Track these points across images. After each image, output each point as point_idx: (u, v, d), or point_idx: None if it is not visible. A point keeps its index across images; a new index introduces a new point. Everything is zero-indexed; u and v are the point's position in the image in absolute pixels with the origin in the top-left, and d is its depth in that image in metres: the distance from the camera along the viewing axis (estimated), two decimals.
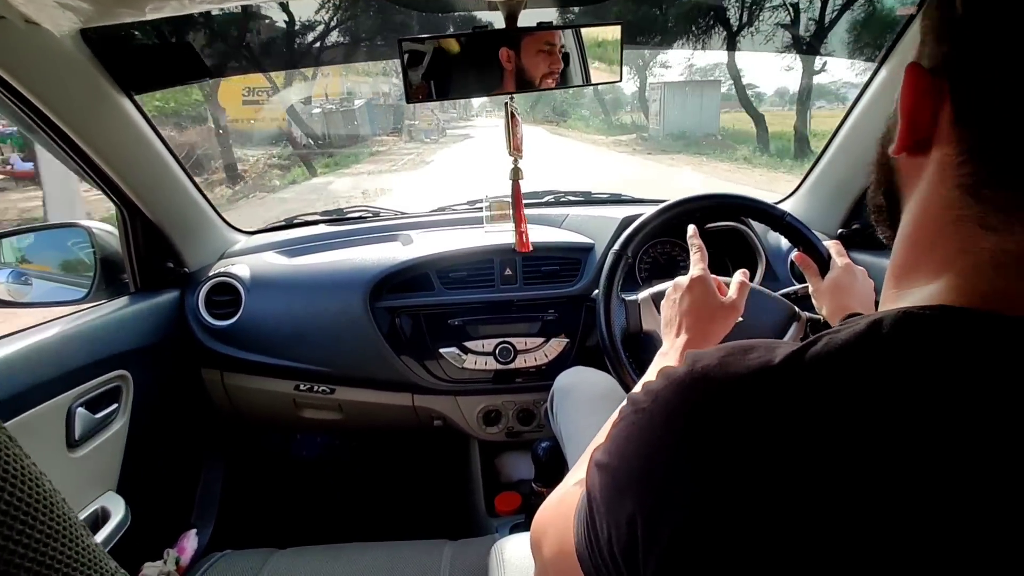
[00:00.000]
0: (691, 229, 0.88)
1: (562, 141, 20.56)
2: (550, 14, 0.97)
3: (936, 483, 0.28)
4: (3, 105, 0.89)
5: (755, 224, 1.38)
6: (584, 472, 0.44)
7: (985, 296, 0.32)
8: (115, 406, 1.14)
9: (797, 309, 1.05)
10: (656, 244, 1.49)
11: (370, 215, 1.67)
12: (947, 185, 0.34)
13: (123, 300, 1.24)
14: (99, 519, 1.05)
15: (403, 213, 1.68)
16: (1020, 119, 0.30)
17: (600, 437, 0.60)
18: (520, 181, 1.20)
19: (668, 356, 0.74)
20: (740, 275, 0.82)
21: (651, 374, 0.68)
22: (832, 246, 0.99)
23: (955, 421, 0.28)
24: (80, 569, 0.31)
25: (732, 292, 0.80)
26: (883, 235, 0.44)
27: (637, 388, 0.40)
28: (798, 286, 1.12)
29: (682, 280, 0.80)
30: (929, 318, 0.31)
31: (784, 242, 1.38)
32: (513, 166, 1.15)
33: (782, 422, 0.31)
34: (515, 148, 1.12)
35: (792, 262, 1.35)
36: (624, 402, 0.41)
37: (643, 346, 1.08)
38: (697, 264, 0.82)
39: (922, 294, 0.35)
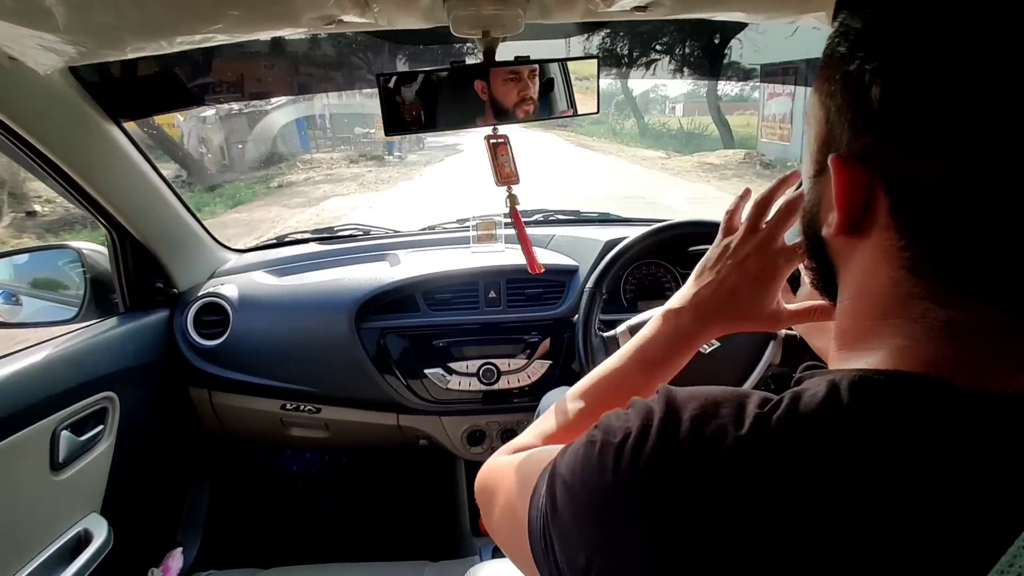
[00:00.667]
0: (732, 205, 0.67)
1: (588, 156, 16.38)
2: (528, 47, 0.99)
3: (891, 550, 0.28)
4: None
5: None
6: (557, 433, 0.45)
7: (938, 363, 0.32)
8: (100, 428, 1.15)
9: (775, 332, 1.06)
10: (641, 266, 1.50)
11: (360, 233, 1.69)
12: (892, 266, 0.34)
13: (112, 321, 1.26)
14: (81, 541, 1.06)
15: (393, 232, 1.70)
16: (959, 207, 0.31)
17: (600, 397, 0.61)
18: (517, 206, 1.18)
19: (680, 315, 0.63)
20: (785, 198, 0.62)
21: (652, 327, 0.64)
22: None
23: (908, 488, 0.29)
24: None
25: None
26: (822, 295, 0.44)
27: (610, 420, 0.41)
28: None
29: (743, 245, 0.62)
30: (884, 384, 0.32)
31: None
32: (507, 194, 1.13)
33: (745, 490, 0.32)
34: (505, 178, 1.11)
35: None
36: (600, 420, 0.41)
37: None
38: (752, 232, 0.62)
39: (873, 358, 0.35)
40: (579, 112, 1.07)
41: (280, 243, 1.68)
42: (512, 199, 1.11)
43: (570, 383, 1.28)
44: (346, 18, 0.79)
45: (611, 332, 1.07)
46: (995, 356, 0.32)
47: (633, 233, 1.18)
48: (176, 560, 1.32)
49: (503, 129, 0.96)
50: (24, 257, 1.33)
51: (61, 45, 0.70)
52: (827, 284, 0.42)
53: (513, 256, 1.46)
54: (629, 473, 0.36)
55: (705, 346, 1.03)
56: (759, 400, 0.35)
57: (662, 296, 1.50)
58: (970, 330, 0.32)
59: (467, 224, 1.55)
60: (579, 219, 1.71)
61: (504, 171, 1.09)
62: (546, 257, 1.47)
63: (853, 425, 0.31)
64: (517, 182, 1.08)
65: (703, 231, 1.15)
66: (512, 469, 0.51)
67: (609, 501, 0.36)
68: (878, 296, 0.36)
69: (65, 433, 1.06)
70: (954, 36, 0.30)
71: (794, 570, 0.29)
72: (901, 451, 0.30)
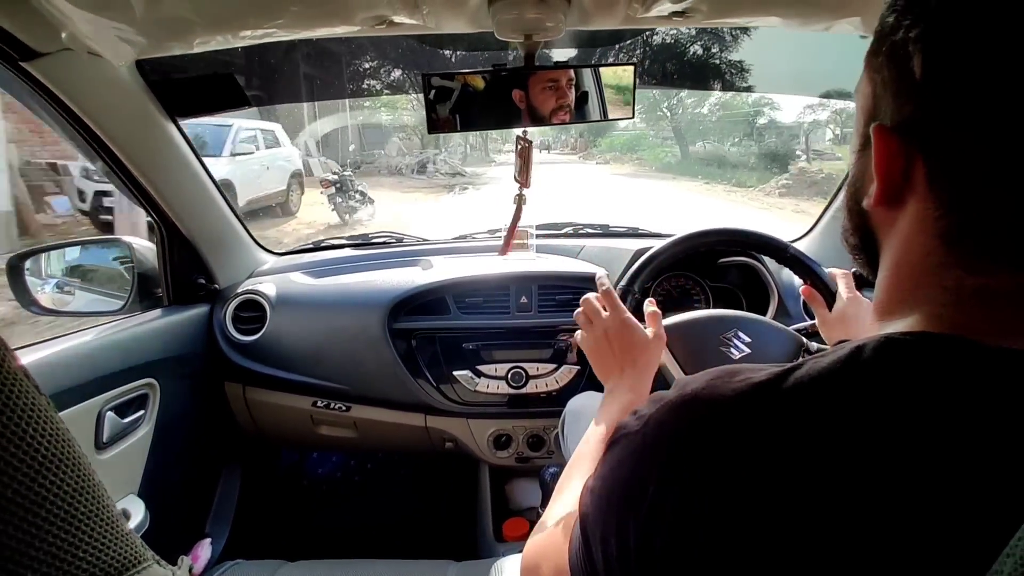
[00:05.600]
0: (600, 275, 0.89)
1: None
2: (567, 54, 1.02)
3: (904, 503, 0.29)
4: (62, 127, 0.98)
5: (768, 261, 1.40)
6: (571, 500, 0.46)
7: (966, 326, 0.33)
8: (142, 412, 1.19)
9: (806, 341, 1.05)
10: (670, 278, 1.51)
11: (394, 241, 1.73)
12: (926, 235, 0.35)
13: (156, 312, 1.31)
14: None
15: (425, 240, 1.74)
16: (995, 176, 0.32)
17: (584, 466, 0.60)
18: (523, 206, 1.19)
19: (615, 393, 0.73)
20: (649, 305, 0.85)
21: (604, 411, 0.68)
22: (840, 278, 0.99)
23: (930, 442, 0.29)
24: (115, 552, 0.32)
25: (649, 324, 0.83)
26: (865, 271, 0.45)
27: (611, 411, 0.42)
28: (809, 322, 1.13)
29: (608, 324, 0.81)
30: (910, 343, 0.33)
31: (797, 280, 1.39)
32: (518, 193, 1.15)
33: (765, 442, 0.32)
34: (520, 179, 1.13)
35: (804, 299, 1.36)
36: (605, 427, 0.43)
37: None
38: (614, 310, 0.82)
39: (903, 324, 0.36)
40: (611, 118, 1.10)
41: (317, 247, 1.73)
42: (520, 198, 1.14)
43: (597, 388, 1.30)
44: (397, 19, 0.84)
45: None
46: (1018, 319, 0.32)
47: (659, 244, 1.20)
48: (204, 550, 1.34)
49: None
50: (78, 249, 1.39)
51: (136, 36, 0.75)
52: (870, 258, 0.43)
53: (545, 263, 1.48)
54: (653, 443, 0.37)
55: (734, 351, 1.03)
56: (777, 366, 0.36)
57: (690, 307, 1.50)
58: (1000, 296, 0.33)
59: (498, 234, 1.59)
60: (608, 232, 1.73)
61: (527, 171, 1.11)
62: (576, 266, 1.49)
63: (875, 378, 0.32)
64: (527, 186, 1.11)
65: (737, 239, 1.15)
66: (546, 534, 0.53)
67: (638, 477, 0.37)
68: (913, 267, 0.37)
69: (109, 414, 1.10)
70: (995, 3, 0.31)
71: (811, 514, 0.30)
72: (923, 405, 0.30)
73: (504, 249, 1.23)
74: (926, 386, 0.31)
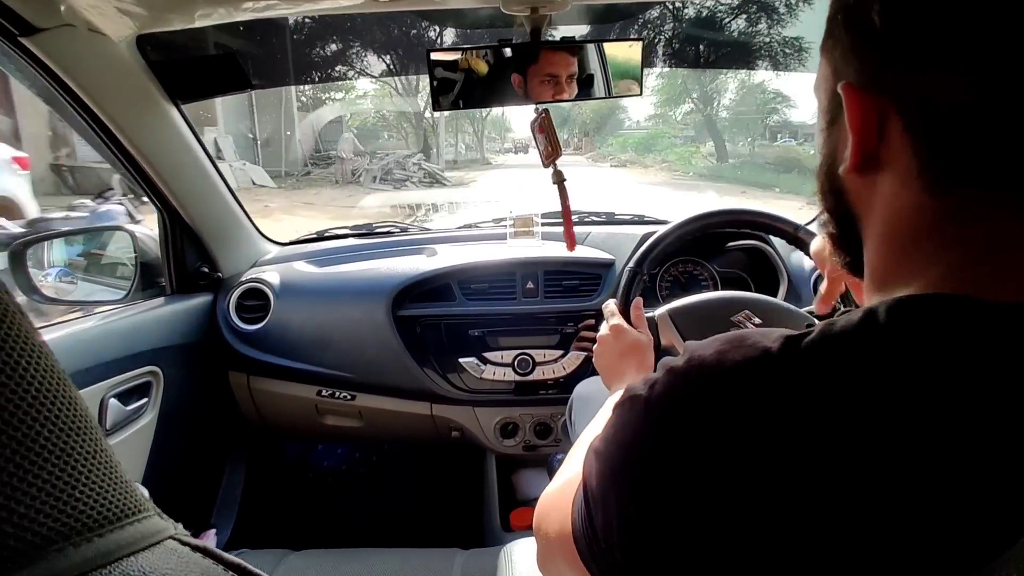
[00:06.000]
0: (610, 305, 0.99)
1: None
2: (574, 30, 1.01)
3: (927, 466, 0.28)
4: (62, 108, 0.97)
5: (778, 245, 1.38)
6: (579, 462, 0.45)
7: (975, 282, 0.32)
8: (145, 400, 1.18)
9: (818, 323, 1.04)
10: (677, 263, 1.49)
11: (398, 230, 1.72)
12: (912, 191, 0.34)
13: (159, 300, 1.30)
14: None
15: (430, 229, 1.73)
16: (970, 116, 0.31)
17: (596, 426, 0.60)
18: (564, 183, 1.11)
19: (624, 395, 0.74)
20: (635, 309, 0.96)
21: (605, 413, 0.67)
22: None
23: (947, 405, 0.28)
24: (114, 498, 0.31)
25: (635, 325, 0.93)
26: (841, 261, 0.43)
27: (634, 382, 0.41)
28: None
29: (604, 335, 0.91)
30: (922, 304, 0.32)
31: (807, 263, 1.37)
32: (553, 169, 1.07)
33: (776, 407, 0.31)
34: (547, 156, 1.07)
35: (815, 282, 1.34)
36: (621, 393, 0.42)
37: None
38: (610, 319, 0.94)
39: (911, 288, 0.35)
40: (615, 95, 1.07)
41: (320, 237, 1.72)
42: (558, 174, 1.08)
43: None
44: None
45: (650, 312, 1.07)
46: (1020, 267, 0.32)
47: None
48: (210, 540, 1.33)
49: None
50: (80, 237, 1.38)
51: (135, 7, 0.74)
52: (849, 242, 0.41)
53: (551, 249, 1.46)
54: (657, 409, 0.36)
55: None
56: (787, 332, 0.35)
57: (697, 291, 1.49)
58: (999, 242, 0.32)
59: (503, 222, 1.57)
60: (614, 220, 1.72)
61: (547, 151, 1.07)
62: (582, 252, 1.47)
63: (890, 340, 0.31)
64: (559, 155, 1.05)
65: (745, 220, 1.14)
66: (556, 491, 0.52)
67: (642, 442, 0.36)
68: (905, 227, 0.35)
69: (113, 401, 1.09)
70: None
71: (824, 481, 0.29)
72: (936, 369, 0.29)
73: (570, 243, 1.10)
74: (939, 350, 0.30)
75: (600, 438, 0.41)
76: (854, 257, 0.41)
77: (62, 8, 0.74)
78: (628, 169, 17.28)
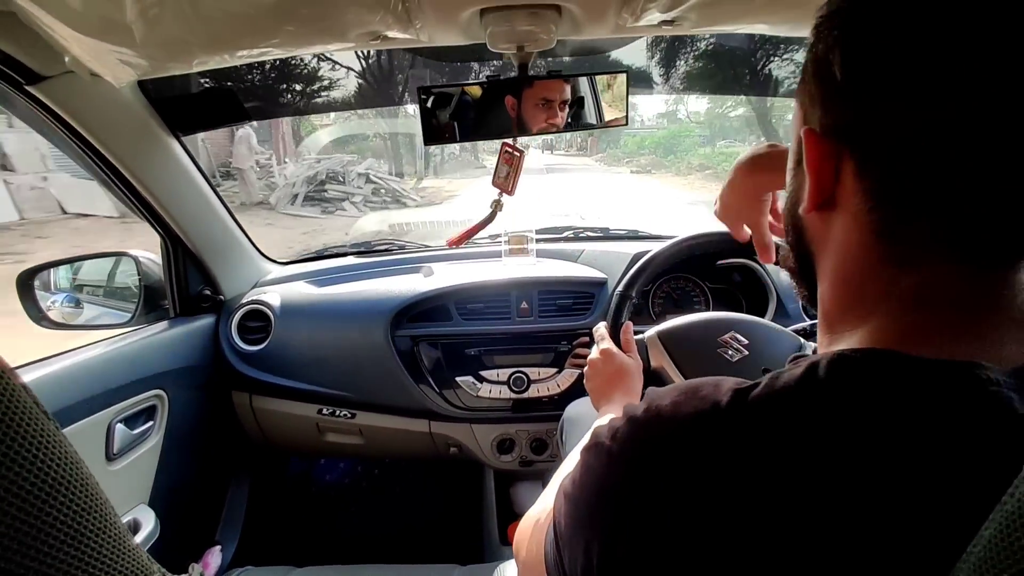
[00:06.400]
0: (600, 329, 1.02)
1: None
2: (561, 64, 1.04)
3: (852, 514, 0.30)
4: (67, 147, 1.00)
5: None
6: (553, 494, 0.48)
7: (905, 335, 0.35)
8: (151, 423, 1.22)
9: (804, 342, 1.06)
10: (669, 280, 1.52)
11: (396, 248, 1.75)
12: (862, 231, 0.37)
13: (163, 324, 1.33)
14: (132, 530, 1.12)
15: (427, 246, 1.76)
16: (915, 162, 0.33)
17: (568, 464, 0.63)
18: (499, 211, 1.14)
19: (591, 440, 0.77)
20: (624, 333, 0.99)
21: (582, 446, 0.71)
22: None
23: (871, 459, 0.31)
24: (122, 568, 0.33)
25: (625, 350, 0.96)
26: (801, 295, 0.47)
27: (603, 423, 0.44)
28: (808, 322, 1.14)
29: (594, 359, 0.95)
30: (858, 361, 0.34)
31: None
32: (495, 199, 1.10)
33: (724, 458, 0.34)
34: (500, 184, 1.08)
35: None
36: (590, 434, 0.45)
37: (653, 383, 1.11)
38: (600, 343, 0.98)
39: (853, 338, 0.38)
40: (606, 124, 1.11)
41: (320, 256, 1.75)
42: (498, 204, 1.12)
43: None
44: (390, 34, 0.85)
45: (640, 335, 1.09)
46: (950, 322, 0.34)
47: (658, 247, 1.21)
48: (215, 557, 1.36)
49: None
50: (85, 263, 1.42)
51: (136, 59, 0.77)
52: (806, 277, 0.45)
53: (545, 268, 1.49)
54: (618, 458, 0.39)
55: (732, 354, 1.04)
56: (738, 381, 0.38)
57: (690, 308, 1.51)
58: (932, 296, 0.34)
59: (499, 239, 1.60)
60: (608, 236, 1.74)
61: (503, 180, 1.09)
62: (575, 270, 1.50)
63: (827, 399, 0.33)
64: (511, 194, 1.09)
65: (731, 240, 1.16)
66: (532, 520, 0.56)
67: (604, 489, 0.39)
68: (852, 268, 0.38)
69: (119, 426, 1.12)
70: (900, 8, 0.33)
71: (766, 528, 0.31)
72: (870, 424, 0.32)
73: (457, 241, 1.15)
74: (871, 406, 0.32)
75: (569, 479, 0.43)
76: (811, 291, 0.44)
77: (66, 58, 0.78)
78: (654, 175, 14.21)
